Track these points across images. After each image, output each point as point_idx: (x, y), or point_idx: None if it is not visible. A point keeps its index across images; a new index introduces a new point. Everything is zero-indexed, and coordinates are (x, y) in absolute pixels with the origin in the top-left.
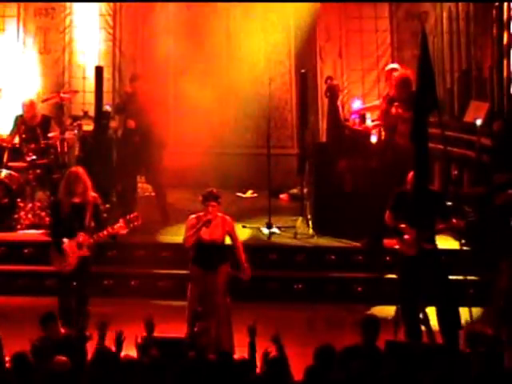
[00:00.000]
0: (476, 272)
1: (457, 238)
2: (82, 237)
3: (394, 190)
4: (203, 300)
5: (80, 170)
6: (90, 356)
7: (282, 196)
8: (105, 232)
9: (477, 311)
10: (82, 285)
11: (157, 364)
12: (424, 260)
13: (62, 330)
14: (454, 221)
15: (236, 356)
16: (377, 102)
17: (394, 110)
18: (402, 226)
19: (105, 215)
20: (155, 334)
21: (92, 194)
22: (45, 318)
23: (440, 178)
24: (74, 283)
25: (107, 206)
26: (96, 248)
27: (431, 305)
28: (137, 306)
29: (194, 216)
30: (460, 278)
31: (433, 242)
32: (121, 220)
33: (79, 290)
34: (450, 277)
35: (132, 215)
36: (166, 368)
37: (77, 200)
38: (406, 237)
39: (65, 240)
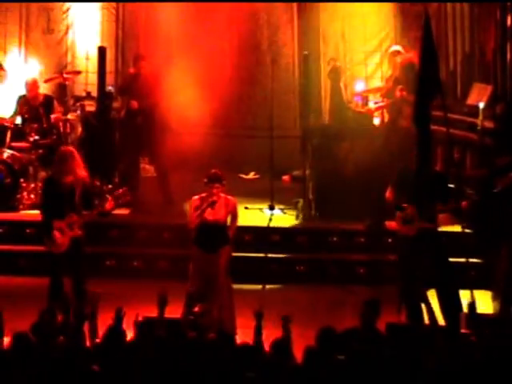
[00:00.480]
0: (478, 254)
1: (459, 220)
2: (72, 217)
3: (398, 168)
4: (205, 281)
5: (72, 149)
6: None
7: (285, 178)
8: (94, 211)
9: (479, 294)
10: (78, 265)
11: (161, 344)
12: (423, 240)
13: (59, 318)
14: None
15: (238, 338)
16: (380, 85)
17: (398, 92)
18: (404, 205)
19: (107, 196)
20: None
21: (83, 173)
22: (44, 313)
23: (442, 160)
24: (68, 264)
25: (110, 186)
26: (93, 227)
27: (432, 287)
28: (138, 286)
29: (197, 197)
30: (462, 260)
31: (433, 222)
32: (109, 197)
33: (75, 271)
34: (452, 259)
35: (120, 191)
36: (168, 348)
37: (68, 180)
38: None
39: (56, 221)
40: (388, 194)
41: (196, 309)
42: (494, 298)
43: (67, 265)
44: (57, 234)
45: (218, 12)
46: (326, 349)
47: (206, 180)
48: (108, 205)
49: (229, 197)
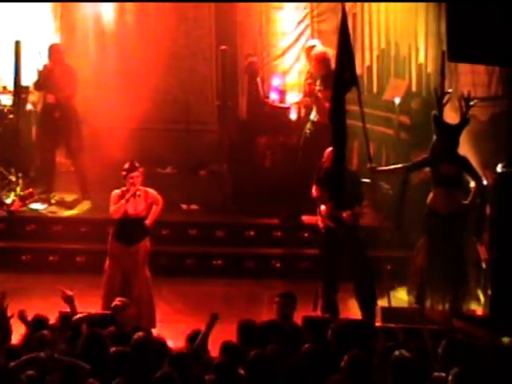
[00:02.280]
0: (394, 248)
1: (377, 214)
2: None
3: (318, 165)
4: (124, 275)
5: None
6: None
7: (202, 172)
8: (2, 208)
9: (395, 287)
10: None
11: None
12: (337, 233)
13: None
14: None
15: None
16: (297, 79)
17: (307, 87)
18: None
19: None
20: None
21: None
22: None
23: (358, 155)
24: None
25: (26, 180)
26: (9, 222)
27: (350, 280)
28: (55, 281)
29: (118, 190)
30: (379, 254)
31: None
32: (15, 197)
33: None
34: (369, 253)
35: (27, 191)
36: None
37: None
38: (322, 208)
39: None
40: (314, 189)
41: (115, 303)
42: (409, 292)
43: None
44: None
45: (136, 6)
46: (246, 343)
47: (124, 173)
48: (15, 205)
49: (148, 189)
